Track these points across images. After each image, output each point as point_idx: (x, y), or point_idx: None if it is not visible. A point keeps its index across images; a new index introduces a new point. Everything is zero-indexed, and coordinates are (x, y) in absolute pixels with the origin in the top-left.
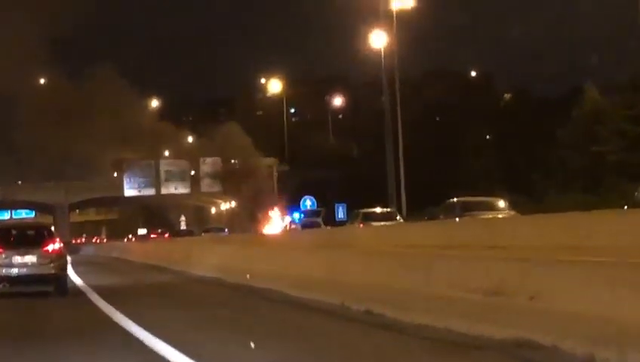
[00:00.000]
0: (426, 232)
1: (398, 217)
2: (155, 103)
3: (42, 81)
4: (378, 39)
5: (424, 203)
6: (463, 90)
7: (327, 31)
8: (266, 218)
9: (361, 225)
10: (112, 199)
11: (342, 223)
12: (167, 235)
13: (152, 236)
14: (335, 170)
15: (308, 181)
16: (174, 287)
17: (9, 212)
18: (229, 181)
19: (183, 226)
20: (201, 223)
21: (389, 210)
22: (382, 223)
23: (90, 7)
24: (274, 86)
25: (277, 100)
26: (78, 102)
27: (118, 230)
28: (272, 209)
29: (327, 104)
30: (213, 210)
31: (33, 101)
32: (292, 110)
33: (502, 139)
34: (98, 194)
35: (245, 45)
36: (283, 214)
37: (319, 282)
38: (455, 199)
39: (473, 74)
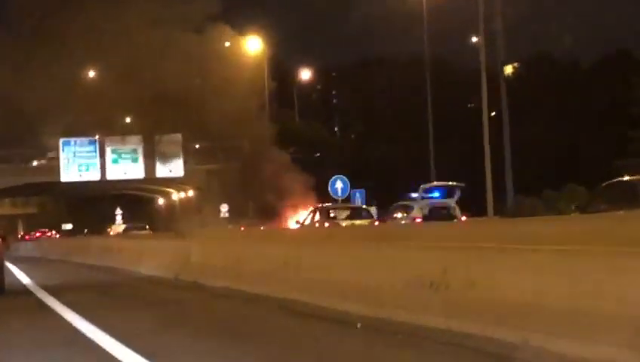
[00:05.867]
0: None
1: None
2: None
3: None
4: None
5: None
6: None
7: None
8: (293, 210)
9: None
10: (41, 186)
11: None
12: (51, 234)
13: (37, 235)
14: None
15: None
16: None
17: None
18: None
19: (119, 221)
20: (144, 218)
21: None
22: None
23: None
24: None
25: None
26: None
27: (39, 225)
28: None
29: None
30: (160, 201)
31: None
32: None
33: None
34: (26, 180)
35: None
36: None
37: None
38: (627, 178)
39: None
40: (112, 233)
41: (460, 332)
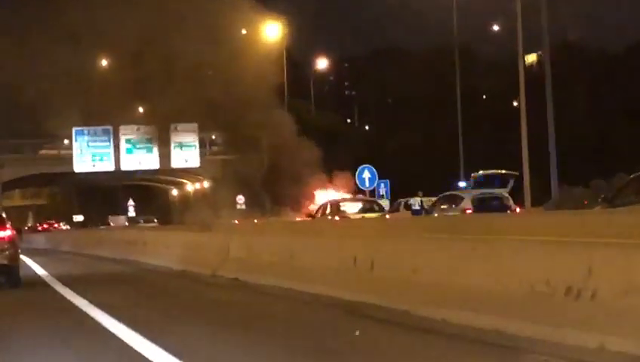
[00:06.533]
0: None
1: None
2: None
3: None
4: None
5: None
6: None
7: None
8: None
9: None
10: (51, 176)
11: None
12: (58, 226)
13: (42, 226)
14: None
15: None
16: None
17: None
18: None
19: (131, 213)
20: (155, 210)
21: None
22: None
23: None
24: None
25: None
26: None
27: (50, 217)
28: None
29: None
30: (174, 192)
31: None
32: None
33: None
34: (37, 170)
35: None
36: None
37: None
38: None
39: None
40: (112, 225)
41: (622, 352)
